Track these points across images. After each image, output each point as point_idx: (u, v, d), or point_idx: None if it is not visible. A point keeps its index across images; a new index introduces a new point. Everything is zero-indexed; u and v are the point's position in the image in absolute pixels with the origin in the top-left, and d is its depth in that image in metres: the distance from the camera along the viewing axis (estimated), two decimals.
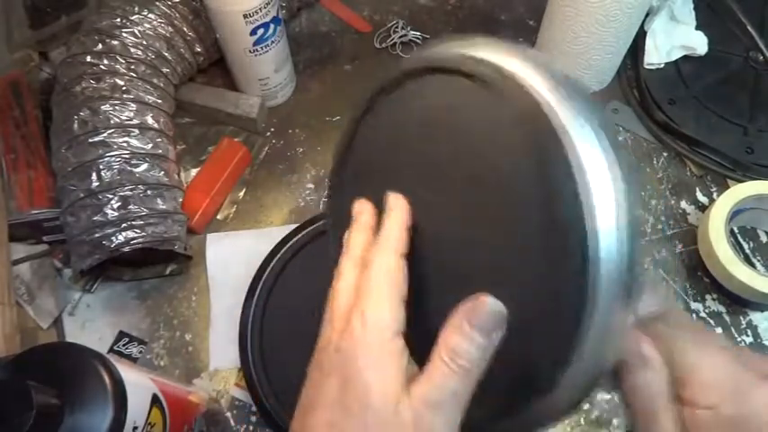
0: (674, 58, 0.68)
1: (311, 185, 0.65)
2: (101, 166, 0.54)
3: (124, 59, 0.59)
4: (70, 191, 0.54)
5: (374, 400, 0.24)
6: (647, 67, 0.68)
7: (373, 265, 0.27)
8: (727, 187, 0.57)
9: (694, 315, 0.57)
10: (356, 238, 0.30)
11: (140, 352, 0.57)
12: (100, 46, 0.58)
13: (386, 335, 0.26)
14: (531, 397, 0.25)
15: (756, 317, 0.57)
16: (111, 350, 0.57)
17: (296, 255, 0.57)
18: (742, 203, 0.54)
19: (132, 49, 0.59)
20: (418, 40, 0.73)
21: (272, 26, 0.61)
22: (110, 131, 0.56)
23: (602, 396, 0.53)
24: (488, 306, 0.24)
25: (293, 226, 0.59)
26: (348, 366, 0.25)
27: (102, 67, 0.58)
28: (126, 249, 0.53)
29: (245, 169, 0.65)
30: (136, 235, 0.53)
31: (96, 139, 0.55)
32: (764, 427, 0.25)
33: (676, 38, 0.67)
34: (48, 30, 0.69)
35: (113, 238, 0.53)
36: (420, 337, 0.27)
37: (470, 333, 0.24)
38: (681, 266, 0.59)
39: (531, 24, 0.74)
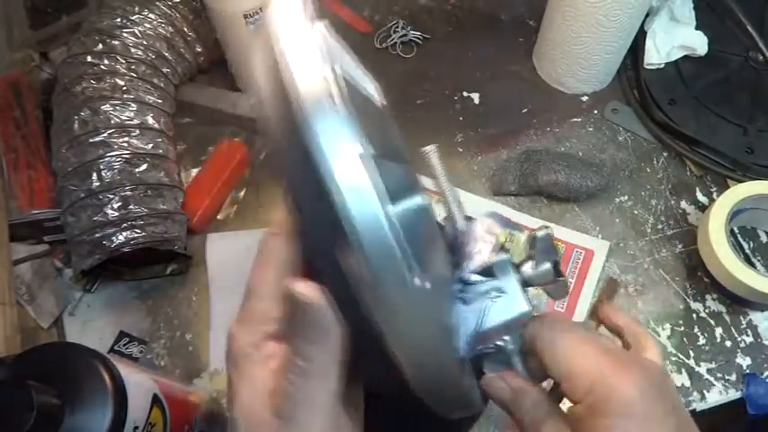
0: (674, 58, 0.68)
1: None
2: (101, 166, 0.54)
3: (125, 59, 0.59)
4: (71, 191, 0.54)
5: None
6: (647, 67, 0.68)
7: None
8: (727, 187, 0.57)
9: (694, 315, 0.57)
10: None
11: (141, 352, 0.57)
12: (100, 46, 0.58)
13: None
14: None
15: (756, 317, 0.57)
16: (111, 350, 0.57)
17: None
18: (742, 203, 0.54)
19: (133, 50, 0.59)
20: (418, 40, 0.73)
21: None
22: (110, 131, 0.56)
23: None
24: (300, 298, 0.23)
25: None
26: None
27: (102, 67, 0.58)
28: (126, 249, 0.53)
29: (245, 169, 0.65)
30: (136, 235, 0.53)
31: (97, 139, 0.55)
32: (624, 412, 0.25)
33: (676, 38, 0.67)
34: (48, 30, 0.69)
35: (114, 237, 0.53)
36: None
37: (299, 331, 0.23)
38: (681, 266, 0.59)
39: (531, 24, 0.74)
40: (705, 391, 0.54)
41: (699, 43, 0.67)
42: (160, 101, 0.61)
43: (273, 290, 0.25)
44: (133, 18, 0.60)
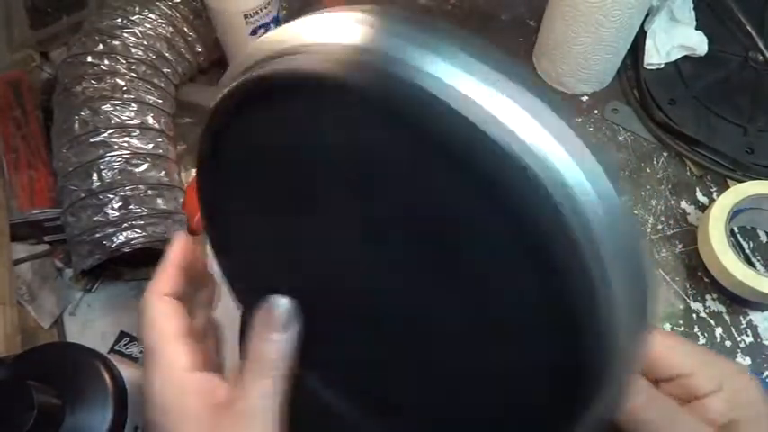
0: (674, 58, 0.68)
1: None
2: (101, 166, 0.54)
3: (125, 60, 0.59)
4: (71, 191, 0.54)
5: None
6: (647, 67, 0.68)
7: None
8: (727, 187, 0.57)
9: (694, 315, 0.57)
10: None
11: (141, 352, 0.57)
12: (101, 46, 0.58)
13: None
14: None
15: (756, 317, 0.57)
16: (111, 350, 0.57)
17: None
18: (742, 203, 0.54)
19: (133, 50, 0.59)
20: None
21: (272, 26, 0.61)
22: (110, 131, 0.56)
23: None
24: (279, 308, 0.27)
25: None
26: None
27: (102, 67, 0.58)
28: (127, 249, 0.53)
29: None
30: (137, 235, 0.54)
31: (97, 139, 0.55)
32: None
33: (676, 38, 0.67)
34: (48, 30, 0.69)
35: (114, 238, 0.53)
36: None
37: (271, 337, 0.26)
38: (681, 266, 0.59)
39: (531, 24, 0.74)
40: None
41: (699, 43, 0.67)
42: (160, 101, 0.61)
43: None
44: (133, 18, 0.60)
